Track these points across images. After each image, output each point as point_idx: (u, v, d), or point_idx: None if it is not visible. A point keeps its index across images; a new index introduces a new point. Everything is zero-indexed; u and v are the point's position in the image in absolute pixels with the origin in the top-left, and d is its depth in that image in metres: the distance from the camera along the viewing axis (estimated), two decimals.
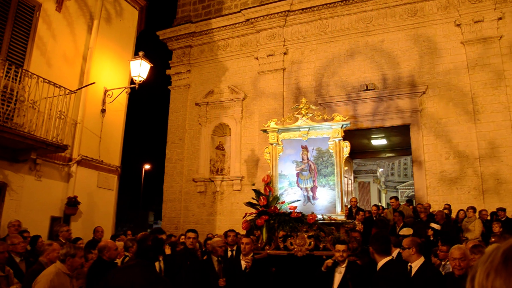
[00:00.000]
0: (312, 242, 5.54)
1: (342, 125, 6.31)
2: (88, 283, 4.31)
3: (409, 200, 10.86)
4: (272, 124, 6.67)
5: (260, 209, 5.99)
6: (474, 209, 8.09)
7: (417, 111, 10.90)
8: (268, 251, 5.65)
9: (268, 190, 6.18)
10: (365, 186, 20.72)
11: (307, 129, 6.45)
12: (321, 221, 5.77)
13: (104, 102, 9.51)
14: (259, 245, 5.80)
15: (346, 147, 6.25)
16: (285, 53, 12.86)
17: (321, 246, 5.51)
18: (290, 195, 6.36)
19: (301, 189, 6.40)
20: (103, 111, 9.48)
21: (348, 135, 13.06)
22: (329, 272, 4.74)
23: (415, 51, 11.21)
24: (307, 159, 6.42)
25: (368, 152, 15.97)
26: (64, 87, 7.72)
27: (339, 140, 6.27)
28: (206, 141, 13.32)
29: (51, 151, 7.71)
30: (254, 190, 6.28)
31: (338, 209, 6.07)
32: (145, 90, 12.09)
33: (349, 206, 11.75)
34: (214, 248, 5.46)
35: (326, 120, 6.71)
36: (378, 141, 14.24)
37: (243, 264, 5.04)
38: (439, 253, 5.56)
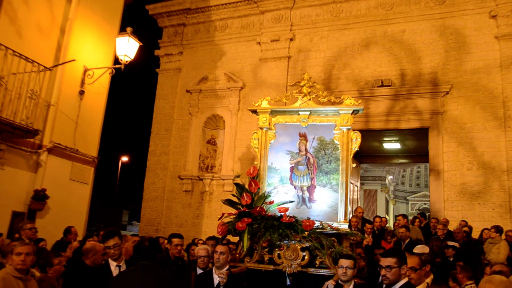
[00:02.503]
0: (306, 256, 4.95)
1: (353, 110, 5.69)
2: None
3: (423, 214, 10.76)
4: (264, 103, 6.03)
5: (242, 209, 5.36)
6: (498, 228, 8.01)
7: (438, 113, 10.83)
8: (248, 264, 5.07)
9: (254, 186, 5.49)
10: (372, 195, 20.71)
11: (308, 112, 5.83)
12: (318, 230, 5.12)
13: (83, 83, 9.34)
14: (238, 255, 5.24)
15: (356, 139, 5.66)
16: (291, 39, 12.74)
17: (317, 262, 4.92)
18: (281, 195, 5.79)
19: (295, 187, 5.81)
20: (82, 93, 9.30)
21: None
22: None
23: (440, 45, 11.13)
24: (305, 150, 5.84)
25: (378, 157, 15.94)
26: (37, 63, 7.52)
27: (348, 129, 5.65)
28: (196, 134, 13.20)
29: (18, 135, 7.53)
30: (236, 184, 5.68)
31: (341, 216, 5.45)
32: (130, 71, 11.90)
33: (350, 216, 11.69)
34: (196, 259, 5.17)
35: (333, 103, 5.99)
36: (391, 145, 14.21)
37: (216, 279, 4.47)
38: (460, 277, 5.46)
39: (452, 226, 9.03)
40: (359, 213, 9.68)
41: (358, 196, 14.65)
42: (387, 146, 14.31)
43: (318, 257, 4.95)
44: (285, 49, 12.73)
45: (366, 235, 8.15)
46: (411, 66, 11.34)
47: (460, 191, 10.32)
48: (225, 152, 12.84)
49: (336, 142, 5.73)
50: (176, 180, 13.16)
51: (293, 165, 5.90)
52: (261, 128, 6.03)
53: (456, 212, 10.21)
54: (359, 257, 5.29)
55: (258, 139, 6.04)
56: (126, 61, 9.15)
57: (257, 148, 5.99)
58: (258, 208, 5.26)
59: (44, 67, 7.70)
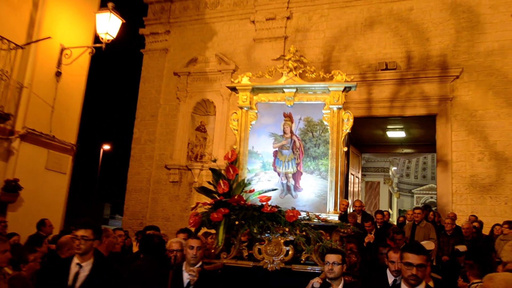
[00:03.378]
0: (290, 251, 4.74)
1: (345, 87, 5.43)
2: (38, 285, 4.11)
3: (427, 206, 10.71)
4: (245, 80, 5.80)
5: (219, 198, 5.10)
6: (511, 224, 7.98)
7: (447, 99, 10.79)
8: (224, 261, 4.84)
9: (232, 172, 5.27)
10: (374, 187, 20.77)
11: (294, 90, 5.59)
12: (305, 221, 4.90)
13: (60, 63, 9.23)
14: (213, 251, 4.99)
15: (348, 120, 5.39)
16: (288, 18, 12.63)
17: (303, 257, 4.71)
18: (263, 182, 5.58)
19: (278, 174, 5.58)
20: (58, 74, 9.17)
21: (359, 122, 13.02)
22: None
23: (450, 25, 11.04)
24: (291, 132, 5.60)
25: (381, 146, 15.99)
26: (7, 40, 7.35)
27: (339, 108, 5.40)
28: (185, 120, 13.13)
29: None
30: (212, 170, 5.37)
31: (331, 206, 5.23)
32: (112, 52, 11.73)
33: (348, 210, 11.66)
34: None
35: (322, 80, 5.72)
36: (395, 133, 14.27)
37: (186, 277, 4.19)
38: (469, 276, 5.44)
39: (460, 222, 9.02)
40: (357, 207, 9.62)
41: (359, 189, 14.64)
42: (391, 134, 14.34)
43: (304, 252, 4.73)
44: (282, 29, 12.63)
45: (369, 234, 8.09)
46: (419, 48, 11.27)
47: (470, 184, 10.29)
48: (216, 140, 12.79)
49: (325, 123, 5.49)
50: (163, 170, 13.11)
51: (277, 149, 5.66)
52: (241, 108, 5.79)
53: (465, 206, 10.20)
54: (350, 252, 5.11)
55: (237, 120, 5.82)
56: (108, 40, 9.08)
57: (237, 130, 5.80)
58: (236, 197, 5.04)
59: (16, 44, 7.56)
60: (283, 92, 5.68)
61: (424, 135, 13.72)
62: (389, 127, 13.63)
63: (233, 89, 5.89)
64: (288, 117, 5.67)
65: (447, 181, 10.56)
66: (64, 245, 4.49)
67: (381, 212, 9.71)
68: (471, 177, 10.30)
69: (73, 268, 3.68)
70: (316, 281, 4.02)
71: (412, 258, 3.12)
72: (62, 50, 9.19)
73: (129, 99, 14.60)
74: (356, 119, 12.20)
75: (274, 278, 4.67)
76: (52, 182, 9.21)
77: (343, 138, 5.42)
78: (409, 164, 22.31)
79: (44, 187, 8.95)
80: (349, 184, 12.79)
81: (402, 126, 13.48)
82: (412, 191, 22.77)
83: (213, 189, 5.26)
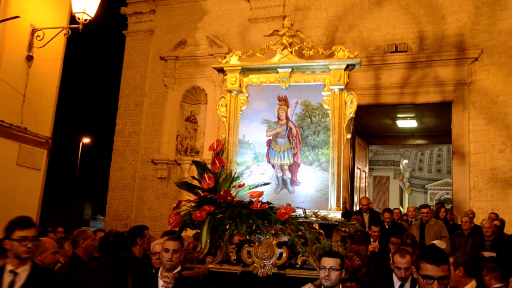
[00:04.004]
0: (284, 254, 4.52)
1: (348, 65, 5.16)
2: None
3: (441, 205, 10.62)
4: (233, 60, 5.55)
5: (203, 194, 4.90)
6: None
7: (464, 84, 10.78)
8: (209, 266, 4.61)
9: (218, 164, 5.04)
10: (383, 183, 20.77)
11: (290, 69, 5.34)
12: (300, 219, 4.69)
13: (31, 47, 9.12)
14: (196, 255, 4.79)
15: (352, 102, 5.11)
16: None
17: (298, 261, 4.50)
18: (256, 176, 5.36)
19: (273, 166, 5.34)
20: (30, 58, 9.06)
21: (365, 111, 13.12)
22: None
23: (469, 0, 10.96)
24: (286, 118, 5.36)
25: (390, 137, 16.03)
26: None
27: (341, 89, 5.13)
28: (173, 110, 13.11)
29: None
30: (195, 162, 5.17)
31: (332, 202, 5.00)
32: (91, 33, 11.61)
33: (354, 208, 11.56)
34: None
35: (321, 57, 5.53)
36: (406, 123, 14.33)
37: (161, 284, 4.01)
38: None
39: (478, 220, 8.97)
40: (365, 205, 9.52)
41: (367, 184, 14.61)
42: (402, 124, 14.37)
43: (300, 255, 4.49)
44: (279, 7, 12.59)
45: (372, 242, 7.99)
46: (432, 28, 11.23)
47: (490, 178, 10.27)
48: (208, 131, 12.78)
49: (325, 107, 5.21)
50: (149, 165, 13.12)
51: (271, 137, 5.40)
52: (230, 92, 5.54)
53: (485, 203, 10.20)
54: (352, 255, 4.77)
55: (226, 105, 5.55)
56: (85, 20, 8.97)
57: (225, 117, 5.54)
58: (222, 193, 4.79)
59: None
60: (277, 72, 5.40)
61: (438, 125, 13.73)
62: (399, 116, 13.65)
63: (221, 70, 5.62)
64: (283, 101, 5.42)
65: (464, 175, 10.56)
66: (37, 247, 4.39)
67: (390, 210, 9.63)
68: (491, 171, 10.29)
69: (7, 277, 3.53)
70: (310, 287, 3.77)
71: (432, 270, 2.73)
72: (34, 31, 9.07)
73: (110, 87, 14.49)
74: (362, 108, 12.30)
75: (265, 284, 4.47)
76: (25, 180, 9.14)
77: (346, 123, 5.11)
78: (422, 157, 22.28)
79: (16, 185, 8.87)
80: (355, 179, 12.77)
81: (413, 115, 13.52)
82: (426, 186, 22.78)
83: (198, 184, 5.05)
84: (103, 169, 13.90)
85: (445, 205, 11.49)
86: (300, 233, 4.56)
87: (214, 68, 5.80)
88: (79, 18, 8.90)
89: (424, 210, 8.96)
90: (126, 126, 13.56)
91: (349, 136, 5.14)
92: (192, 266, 4.56)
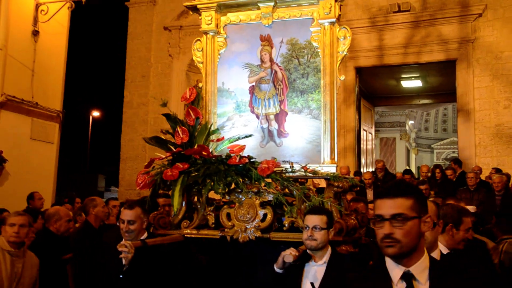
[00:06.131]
0: (269, 215, 3.84)
1: None
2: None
3: (457, 161, 10.49)
4: None
5: (175, 150, 4.24)
6: None
7: (468, 41, 10.66)
8: (185, 231, 3.99)
9: (192, 115, 4.37)
10: (389, 144, 20.77)
11: (272, 3, 4.61)
12: (287, 175, 4.01)
13: (36, 21, 9.15)
14: (170, 219, 4.15)
15: (345, 38, 4.45)
16: None
17: (286, 223, 3.83)
18: (238, 128, 4.71)
19: (257, 116, 4.70)
20: (36, 33, 9.09)
21: (369, 73, 13.10)
22: (292, 275, 3.25)
23: None
24: (271, 60, 4.70)
25: (395, 98, 15.96)
26: None
27: (332, 23, 4.44)
28: (179, 79, 13.06)
29: None
30: (166, 115, 4.44)
31: (326, 154, 4.40)
32: (95, 6, 11.55)
33: (371, 170, 11.66)
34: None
35: None
36: (411, 83, 14.22)
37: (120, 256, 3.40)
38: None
39: (485, 176, 9.03)
40: (380, 168, 9.58)
41: (373, 146, 14.64)
42: (406, 84, 14.28)
43: (287, 215, 3.82)
44: None
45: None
46: None
47: (495, 134, 10.27)
48: None
49: (314, 44, 4.54)
50: (159, 135, 13.05)
51: (254, 83, 4.75)
52: (206, 33, 4.82)
53: (490, 159, 10.21)
54: (349, 213, 3.96)
55: (202, 49, 4.86)
56: None
57: (201, 62, 4.85)
58: (197, 148, 4.14)
59: None
60: (258, 8, 4.70)
61: (443, 83, 13.65)
62: (403, 76, 13.55)
63: (194, 8, 4.89)
64: (266, 40, 4.73)
65: (470, 132, 10.57)
66: (52, 216, 4.65)
67: (381, 160, 9.76)
68: (496, 127, 10.27)
69: None
70: (289, 254, 3.16)
71: (382, 206, 1.96)
72: (38, 6, 9.09)
73: (117, 59, 14.46)
74: (366, 69, 12.25)
75: (247, 250, 3.88)
76: (39, 153, 9.28)
77: (339, 63, 4.48)
78: (427, 117, 22.20)
79: (31, 158, 9.02)
80: (362, 141, 12.77)
81: (418, 75, 13.41)
82: (432, 146, 22.74)
83: (170, 139, 4.44)
84: (114, 141, 13.98)
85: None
86: (286, 190, 3.94)
87: (186, 6, 5.03)
88: None
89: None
90: (134, 97, 13.53)
91: (343, 77, 4.52)
92: (165, 232, 4.01)
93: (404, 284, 1.90)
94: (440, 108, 21.12)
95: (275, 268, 3.22)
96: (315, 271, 3.17)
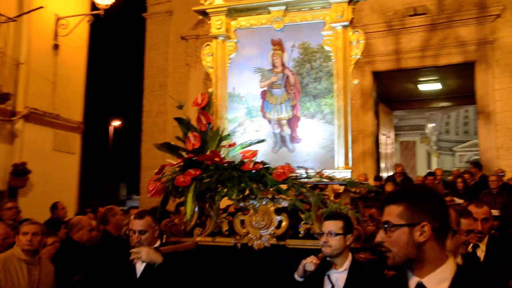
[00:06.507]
0: (284, 222, 3.79)
1: None
2: (57, 270, 4.31)
3: (477, 164, 10.44)
4: (218, 0, 4.74)
5: (187, 156, 4.19)
6: None
7: (487, 42, 10.55)
8: (198, 238, 3.92)
9: (204, 121, 4.31)
10: (409, 148, 20.59)
11: (284, 7, 4.49)
12: (302, 181, 3.97)
13: (56, 35, 9.35)
14: (182, 227, 4.06)
15: (358, 42, 4.34)
16: None
17: (301, 229, 3.77)
18: (249, 133, 4.57)
19: (269, 122, 4.57)
20: (56, 47, 9.30)
21: (387, 77, 13.03)
22: (313, 283, 3.19)
23: None
24: (282, 65, 4.57)
25: (414, 101, 15.85)
26: None
27: (345, 26, 4.32)
28: (197, 88, 13.12)
29: None
30: (178, 120, 4.43)
31: (340, 159, 4.28)
32: (113, 19, 11.73)
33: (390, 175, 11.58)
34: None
35: None
36: (429, 86, 14.13)
37: (138, 266, 3.47)
38: None
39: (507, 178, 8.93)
40: (399, 172, 9.48)
41: (393, 150, 14.54)
42: (424, 87, 14.19)
43: (303, 222, 3.76)
44: None
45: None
46: None
47: None
48: None
49: (327, 48, 4.43)
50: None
51: (265, 88, 4.61)
52: (215, 38, 4.71)
53: None
54: (366, 219, 3.91)
55: (212, 54, 4.75)
56: (106, 5, 9.12)
57: (212, 68, 4.75)
58: (209, 153, 4.06)
59: (7, 17, 7.63)
60: (269, 12, 4.58)
61: (462, 86, 13.50)
62: (421, 79, 13.45)
63: (203, 13, 4.77)
64: (278, 44, 4.60)
65: (491, 135, 10.44)
66: (74, 225, 4.74)
67: (400, 164, 9.70)
68: None
69: None
70: (310, 262, 3.10)
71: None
72: (58, 20, 9.29)
73: (135, 70, 14.67)
74: (384, 73, 12.18)
75: (262, 258, 3.79)
76: (62, 164, 9.45)
77: (352, 66, 4.38)
78: (448, 120, 21.94)
79: (54, 169, 9.19)
80: (381, 146, 12.71)
81: (436, 77, 13.31)
82: (453, 149, 22.48)
83: (182, 145, 4.36)
84: (134, 150, 14.13)
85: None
86: (302, 196, 3.87)
87: (195, 11, 4.86)
88: (99, 4, 9.06)
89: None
90: (152, 106, 13.65)
91: (356, 81, 4.46)
92: (178, 240, 3.95)
93: None
94: (460, 111, 20.87)
95: (295, 276, 3.16)
96: (336, 278, 3.10)
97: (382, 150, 12.96)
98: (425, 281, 1.76)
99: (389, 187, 6.81)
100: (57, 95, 9.31)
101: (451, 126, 22.12)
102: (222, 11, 4.64)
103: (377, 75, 11.93)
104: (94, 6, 9.53)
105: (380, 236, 1.82)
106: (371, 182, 9.71)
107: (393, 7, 11.44)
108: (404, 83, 13.57)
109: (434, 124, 21.79)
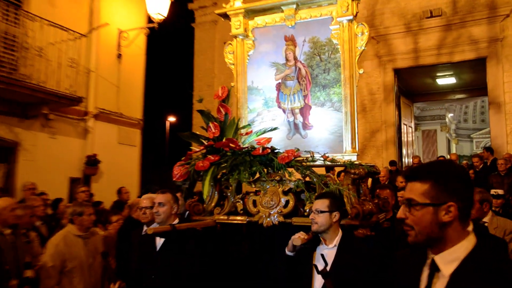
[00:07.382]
0: (290, 202, 3.73)
1: None
2: (118, 245, 4.59)
3: (489, 149, 10.28)
4: (237, 3, 4.73)
5: (208, 143, 4.19)
6: None
7: (497, 40, 10.33)
8: (216, 217, 3.93)
9: (224, 111, 4.31)
10: (431, 135, 20.23)
11: (294, 6, 4.48)
12: (308, 164, 3.86)
13: (119, 46, 9.66)
14: (204, 206, 4.08)
15: (363, 34, 4.27)
16: None
17: (306, 208, 3.68)
18: (267, 122, 4.55)
19: (284, 111, 4.53)
20: (119, 56, 9.63)
21: (407, 73, 12.88)
22: (303, 258, 3.05)
23: None
24: (295, 58, 4.54)
25: (432, 94, 15.55)
26: (72, 30, 7.83)
27: (350, 20, 4.25)
28: None
29: (64, 104, 8.00)
30: (200, 111, 4.43)
31: (347, 144, 4.17)
32: (166, 29, 12.08)
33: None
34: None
35: None
36: (445, 80, 13.81)
37: (157, 239, 3.52)
38: None
39: None
40: (416, 164, 9.42)
41: (413, 138, 14.40)
42: (441, 81, 13.90)
43: (307, 202, 3.68)
44: None
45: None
46: None
47: None
48: None
49: (334, 41, 4.36)
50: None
51: (280, 81, 4.59)
52: (235, 37, 4.74)
53: None
54: (365, 198, 3.70)
55: (233, 52, 4.78)
56: (160, 19, 9.34)
57: (233, 64, 4.79)
58: (225, 140, 4.07)
59: (80, 34, 8.02)
60: (282, 11, 4.56)
61: (475, 79, 13.17)
62: (438, 74, 13.19)
63: (224, 15, 4.82)
64: (290, 40, 4.57)
65: (501, 123, 10.27)
66: (133, 206, 4.90)
67: (417, 156, 9.58)
68: None
69: None
70: (297, 237, 3.01)
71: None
72: (120, 33, 9.63)
73: (186, 73, 15.00)
74: (404, 70, 12.10)
75: (270, 234, 3.73)
76: (126, 155, 9.84)
77: (357, 57, 4.29)
78: (466, 110, 21.38)
79: (119, 159, 9.59)
80: (402, 135, 12.62)
81: (451, 72, 13.00)
82: (471, 136, 21.89)
83: (205, 134, 4.35)
84: (188, 143, 14.46)
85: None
86: (307, 178, 3.82)
87: (217, 14, 4.93)
88: (154, 18, 9.34)
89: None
90: (201, 105, 13.93)
91: (361, 71, 4.27)
92: (200, 218, 3.98)
93: (427, 272, 1.60)
94: (478, 101, 20.33)
95: (286, 251, 3.09)
96: (326, 254, 2.87)
97: (404, 138, 12.88)
98: (437, 258, 1.58)
99: (401, 179, 6.75)
100: (121, 97, 9.65)
101: (469, 115, 21.53)
102: (241, 12, 4.65)
103: (397, 71, 11.84)
104: (150, 20, 9.79)
105: (403, 212, 1.60)
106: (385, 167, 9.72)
107: (412, 10, 11.32)
108: (423, 78, 13.37)
109: (452, 114, 21.31)
